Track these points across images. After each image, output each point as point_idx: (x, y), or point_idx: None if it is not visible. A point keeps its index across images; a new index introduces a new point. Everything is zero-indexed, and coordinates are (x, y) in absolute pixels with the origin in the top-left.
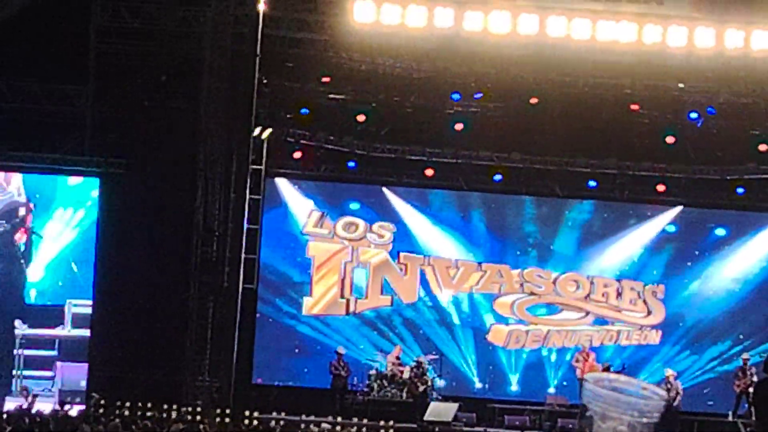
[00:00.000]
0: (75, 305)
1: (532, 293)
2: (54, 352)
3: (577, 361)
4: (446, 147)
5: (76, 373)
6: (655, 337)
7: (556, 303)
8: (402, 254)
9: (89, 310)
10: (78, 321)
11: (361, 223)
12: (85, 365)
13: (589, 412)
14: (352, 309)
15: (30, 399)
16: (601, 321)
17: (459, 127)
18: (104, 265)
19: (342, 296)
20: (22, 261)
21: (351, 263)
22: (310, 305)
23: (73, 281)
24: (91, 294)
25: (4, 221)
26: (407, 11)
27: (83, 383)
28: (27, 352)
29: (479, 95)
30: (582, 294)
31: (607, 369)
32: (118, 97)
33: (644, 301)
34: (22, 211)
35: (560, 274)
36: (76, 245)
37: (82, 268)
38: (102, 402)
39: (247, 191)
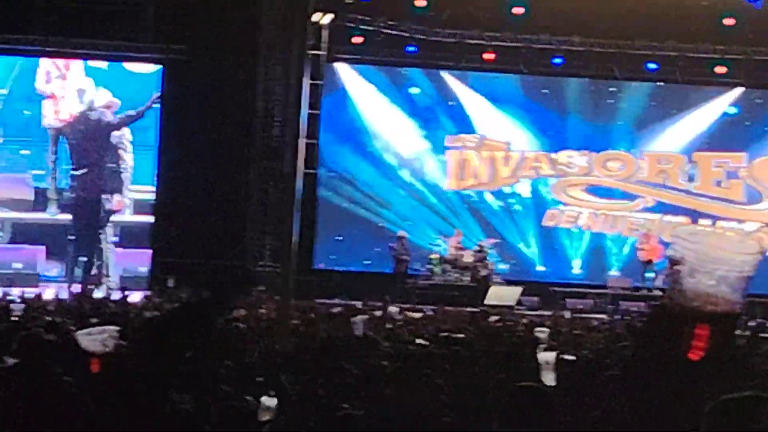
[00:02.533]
0: (133, 191)
1: (590, 179)
2: (115, 238)
3: (641, 243)
4: (505, 31)
5: (135, 260)
6: None
7: (622, 188)
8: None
9: (148, 196)
10: (137, 207)
11: None
12: (144, 251)
13: (677, 267)
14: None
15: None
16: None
17: (518, 10)
18: (166, 152)
19: None
20: None
21: None
22: None
23: (135, 167)
24: (150, 180)
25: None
26: None
27: (142, 269)
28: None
29: None
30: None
31: None
32: None
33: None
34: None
35: (627, 155)
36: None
37: (138, 155)
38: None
39: (307, 76)
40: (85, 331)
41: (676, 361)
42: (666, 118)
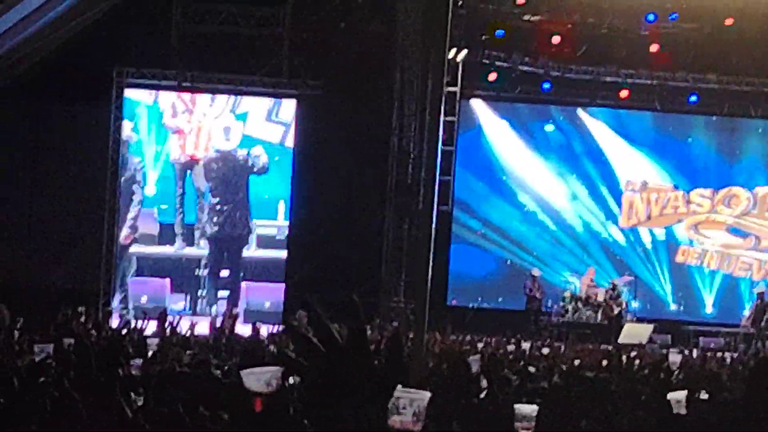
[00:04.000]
0: (259, 225)
1: (729, 216)
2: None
3: None
4: (641, 68)
5: (259, 293)
6: None
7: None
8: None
9: (273, 231)
10: (262, 242)
11: None
12: (268, 285)
13: None
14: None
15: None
16: None
17: (654, 48)
18: (301, 187)
19: None
20: None
21: None
22: None
23: (258, 202)
24: (275, 215)
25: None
26: None
27: (267, 304)
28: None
29: (675, 16)
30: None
31: None
32: (315, 20)
33: None
34: None
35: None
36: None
37: (263, 189)
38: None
39: (442, 113)
40: (249, 370)
41: None
42: None
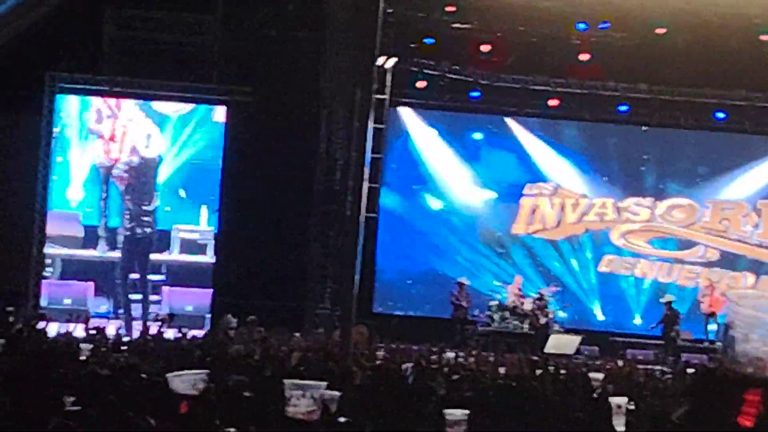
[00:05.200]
0: (182, 230)
1: (653, 226)
2: (161, 277)
3: (703, 295)
4: (571, 77)
5: (182, 298)
6: None
7: (679, 235)
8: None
9: (196, 236)
10: (185, 246)
11: None
12: (191, 290)
13: (731, 331)
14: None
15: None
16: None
17: (584, 57)
18: (228, 193)
19: None
20: None
21: None
22: None
23: (181, 206)
24: (197, 220)
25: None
26: None
27: (189, 308)
28: (133, 275)
29: (605, 25)
30: (696, 223)
31: None
32: (244, 26)
33: None
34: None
35: (675, 204)
36: (184, 171)
37: (189, 193)
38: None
39: (371, 120)
40: (175, 373)
41: (726, 426)
42: (733, 167)
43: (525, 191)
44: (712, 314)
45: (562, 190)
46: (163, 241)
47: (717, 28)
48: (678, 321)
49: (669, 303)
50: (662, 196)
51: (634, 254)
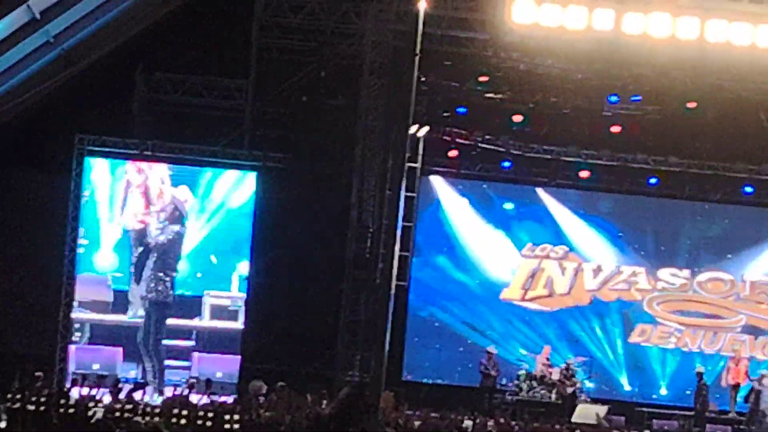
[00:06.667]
0: (213, 296)
1: (683, 297)
2: (191, 343)
3: (729, 367)
4: (602, 149)
5: (212, 364)
6: None
7: (706, 306)
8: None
9: (227, 302)
10: (215, 312)
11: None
12: (220, 356)
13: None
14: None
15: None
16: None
17: (616, 129)
18: (259, 259)
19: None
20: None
21: None
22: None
23: (212, 272)
24: (228, 285)
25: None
26: (567, 12)
27: (219, 374)
28: (165, 341)
29: (637, 98)
30: (733, 295)
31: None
32: (278, 93)
33: None
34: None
35: (713, 276)
36: (215, 236)
37: (220, 260)
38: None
39: (403, 189)
40: None
41: None
42: (761, 240)
43: (524, 252)
44: (737, 386)
45: (587, 263)
46: (194, 307)
47: (747, 103)
48: (707, 392)
49: (700, 374)
50: (697, 268)
51: (669, 323)
